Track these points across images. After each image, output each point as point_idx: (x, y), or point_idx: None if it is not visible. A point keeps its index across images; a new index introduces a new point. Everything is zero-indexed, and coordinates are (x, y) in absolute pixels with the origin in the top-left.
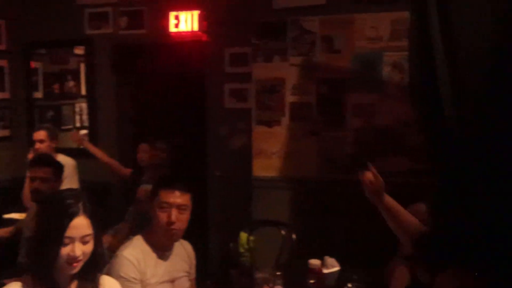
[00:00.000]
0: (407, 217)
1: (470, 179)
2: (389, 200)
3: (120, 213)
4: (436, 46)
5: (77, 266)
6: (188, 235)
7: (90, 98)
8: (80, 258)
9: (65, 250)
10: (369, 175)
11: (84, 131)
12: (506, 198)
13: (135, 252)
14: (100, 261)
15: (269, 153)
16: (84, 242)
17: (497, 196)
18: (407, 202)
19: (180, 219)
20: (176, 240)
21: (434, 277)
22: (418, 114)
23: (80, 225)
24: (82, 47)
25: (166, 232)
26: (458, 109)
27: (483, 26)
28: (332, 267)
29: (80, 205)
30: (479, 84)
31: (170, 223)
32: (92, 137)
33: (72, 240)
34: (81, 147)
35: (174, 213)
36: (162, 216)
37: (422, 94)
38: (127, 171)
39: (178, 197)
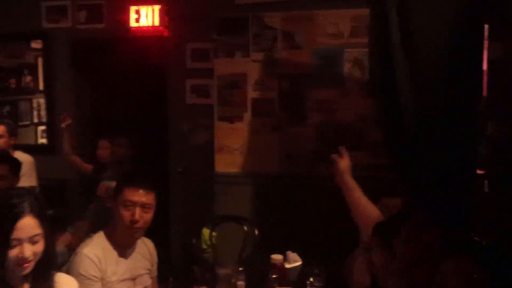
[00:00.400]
0: (366, 203)
1: (426, 173)
2: (352, 183)
3: (80, 210)
4: (394, 44)
5: (28, 267)
6: (150, 232)
7: (48, 93)
8: (30, 258)
9: (13, 252)
10: (337, 156)
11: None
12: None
13: (96, 250)
14: (52, 260)
15: (231, 149)
16: (34, 242)
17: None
18: (367, 196)
19: (143, 218)
20: (138, 238)
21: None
22: (377, 110)
23: (27, 225)
24: (40, 41)
25: (129, 230)
26: (415, 105)
27: (439, 24)
28: (294, 262)
29: (26, 204)
30: (436, 80)
31: (133, 221)
32: (50, 133)
33: (20, 241)
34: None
35: (138, 212)
36: (126, 215)
37: (381, 90)
38: (88, 167)
39: (142, 196)
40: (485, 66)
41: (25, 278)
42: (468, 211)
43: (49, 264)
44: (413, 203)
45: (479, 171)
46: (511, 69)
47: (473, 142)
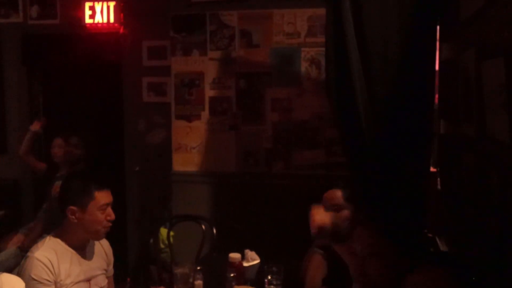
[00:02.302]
0: None
1: (380, 171)
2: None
3: (33, 211)
4: (349, 43)
5: None
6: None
7: None
8: None
9: None
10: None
11: None
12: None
13: (48, 253)
14: None
15: (189, 147)
16: None
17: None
18: (323, 194)
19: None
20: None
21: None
22: (334, 108)
23: None
24: None
25: (104, 230)
26: (370, 104)
27: (393, 24)
28: (253, 260)
29: None
30: (390, 80)
31: (111, 221)
32: (1, 131)
33: None
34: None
35: (111, 210)
36: (102, 217)
37: (337, 89)
38: (42, 165)
39: (110, 195)
40: (437, 67)
41: None
42: (421, 208)
43: None
44: (358, 200)
45: (432, 169)
46: (461, 69)
47: (426, 140)
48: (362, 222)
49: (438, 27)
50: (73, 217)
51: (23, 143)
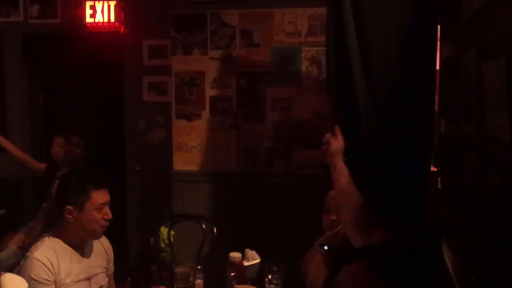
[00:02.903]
0: (352, 188)
1: (381, 171)
2: (342, 165)
3: (33, 210)
4: (350, 43)
5: None
6: (107, 231)
7: None
8: None
9: None
10: (331, 136)
11: None
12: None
13: (48, 253)
14: None
15: (189, 147)
16: None
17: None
18: (324, 193)
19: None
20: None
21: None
22: (334, 108)
23: None
24: None
25: (101, 229)
26: (371, 104)
27: (393, 24)
28: (253, 259)
29: None
30: (390, 79)
31: (108, 220)
32: (2, 130)
33: None
34: None
35: (108, 210)
36: (99, 217)
37: (337, 88)
38: (41, 165)
39: (108, 195)
40: (437, 66)
41: None
42: (421, 208)
43: None
44: (366, 200)
45: (432, 168)
46: (461, 68)
47: (427, 139)
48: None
49: (438, 26)
50: (70, 216)
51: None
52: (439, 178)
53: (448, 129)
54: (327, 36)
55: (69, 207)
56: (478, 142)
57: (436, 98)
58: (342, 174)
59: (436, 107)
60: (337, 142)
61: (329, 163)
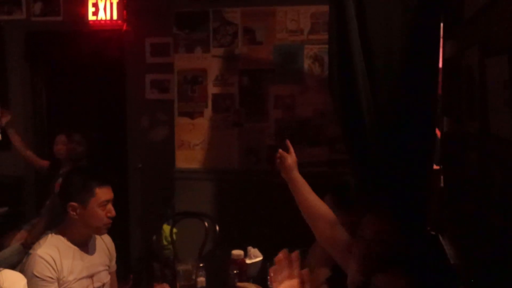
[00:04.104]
0: (315, 199)
1: (383, 169)
2: (300, 178)
3: (36, 207)
4: (353, 40)
5: None
6: (109, 228)
7: (2, 87)
8: None
9: None
10: (283, 151)
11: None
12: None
13: (50, 250)
14: None
15: (192, 144)
16: None
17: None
18: (327, 191)
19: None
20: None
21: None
22: (336, 106)
23: None
24: None
25: (103, 227)
26: (373, 101)
27: (396, 21)
28: (255, 257)
29: None
30: (393, 77)
31: (111, 217)
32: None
33: None
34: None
35: (111, 207)
36: (102, 214)
37: (340, 86)
38: (44, 163)
39: (111, 192)
40: (440, 64)
41: None
42: (424, 206)
43: None
44: (367, 198)
45: (435, 167)
46: (464, 67)
47: (430, 138)
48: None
49: (441, 25)
50: (74, 213)
51: (11, 139)
52: (441, 177)
53: (451, 127)
54: (329, 34)
55: (73, 203)
56: (481, 140)
57: (439, 96)
58: (301, 186)
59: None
60: (291, 157)
61: (286, 179)
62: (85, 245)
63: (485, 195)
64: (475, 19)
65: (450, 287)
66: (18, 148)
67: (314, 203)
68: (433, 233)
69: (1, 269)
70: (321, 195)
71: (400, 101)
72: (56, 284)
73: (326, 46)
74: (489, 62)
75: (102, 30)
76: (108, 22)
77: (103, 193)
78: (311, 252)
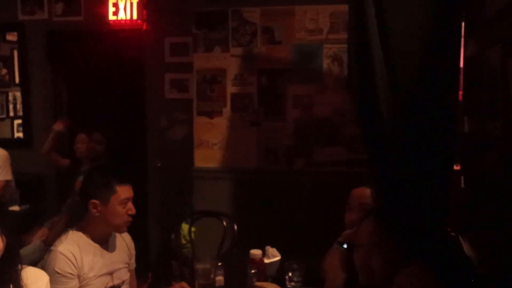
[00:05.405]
0: None
1: (403, 169)
2: None
3: (57, 205)
4: (372, 39)
5: None
6: (128, 227)
7: (24, 86)
8: None
9: None
10: None
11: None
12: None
13: (71, 247)
14: (16, 256)
15: (210, 143)
16: None
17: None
18: (345, 191)
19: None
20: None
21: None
22: (355, 105)
23: None
24: (15, 33)
25: (124, 225)
26: (393, 101)
27: (417, 20)
28: (273, 257)
29: None
30: (413, 76)
31: (132, 215)
32: (26, 127)
33: None
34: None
35: (131, 205)
36: (123, 212)
37: (359, 85)
38: (65, 161)
39: (131, 190)
40: (461, 64)
41: None
42: (444, 207)
43: (13, 260)
44: (385, 199)
45: (455, 167)
46: (486, 66)
47: (450, 138)
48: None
49: (463, 23)
50: (95, 210)
51: (46, 142)
52: (462, 177)
53: (472, 127)
54: (348, 33)
55: (94, 201)
56: (503, 141)
57: (460, 96)
58: None
59: (460, 105)
60: None
61: None
62: (105, 242)
63: (506, 196)
64: (497, 18)
65: (470, 282)
66: (46, 151)
67: None
68: (453, 234)
69: (25, 266)
70: (339, 195)
71: (420, 101)
72: (76, 280)
73: (345, 45)
74: (511, 61)
75: (122, 30)
76: (128, 22)
77: (124, 191)
78: (327, 255)
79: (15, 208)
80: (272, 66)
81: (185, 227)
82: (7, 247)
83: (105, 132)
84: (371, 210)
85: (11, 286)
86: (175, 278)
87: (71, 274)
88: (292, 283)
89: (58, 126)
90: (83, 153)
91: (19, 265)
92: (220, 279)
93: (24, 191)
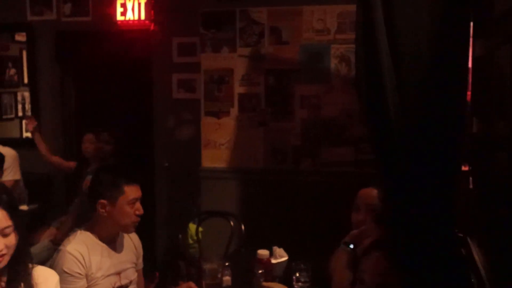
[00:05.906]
0: None
1: (411, 170)
2: None
3: (65, 204)
4: (380, 39)
5: (3, 261)
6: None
7: (33, 86)
8: (4, 252)
9: None
10: None
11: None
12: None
13: (79, 247)
14: (27, 254)
15: (218, 144)
16: (4, 235)
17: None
18: (352, 192)
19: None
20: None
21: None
22: (363, 106)
23: None
24: (23, 34)
25: (132, 225)
26: (401, 101)
27: (425, 20)
28: (281, 257)
29: None
30: (421, 77)
31: (140, 215)
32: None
33: None
34: (30, 134)
35: (139, 205)
36: (131, 212)
37: (367, 86)
38: (70, 164)
39: (139, 190)
40: (470, 64)
41: (1, 273)
42: (452, 207)
43: (24, 258)
44: (392, 199)
45: (464, 168)
46: (495, 66)
47: (458, 138)
48: (377, 245)
49: (471, 23)
50: (103, 210)
51: (37, 146)
52: (470, 178)
53: (480, 128)
54: (356, 34)
55: (102, 201)
56: (511, 141)
57: (468, 96)
58: None
59: (468, 105)
60: None
61: None
62: (113, 242)
63: None
64: (506, 17)
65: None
66: (44, 154)
67: None
68: (461, 235)
69: (35, 265)
70: (346, 195)
71: (428, 101)
72: (84, 280)
73: (353, 45)
74: None
75: (130, 30)
76: (136, 22)
77: (132, 191)
78: (334, 256)
79: (24, 207)
80: (280, 66)
81: (192, 227)
82: (18, 246)
83: (113, 132)
84: (376, 242)
85: (22, 284)
86: (182, 278)
87: (79, 273)
88: (299, 283)
89: (30, 124)
90: (91, 153)
91: (30, 264)
92: (227, 279)
93: (32, 190)
